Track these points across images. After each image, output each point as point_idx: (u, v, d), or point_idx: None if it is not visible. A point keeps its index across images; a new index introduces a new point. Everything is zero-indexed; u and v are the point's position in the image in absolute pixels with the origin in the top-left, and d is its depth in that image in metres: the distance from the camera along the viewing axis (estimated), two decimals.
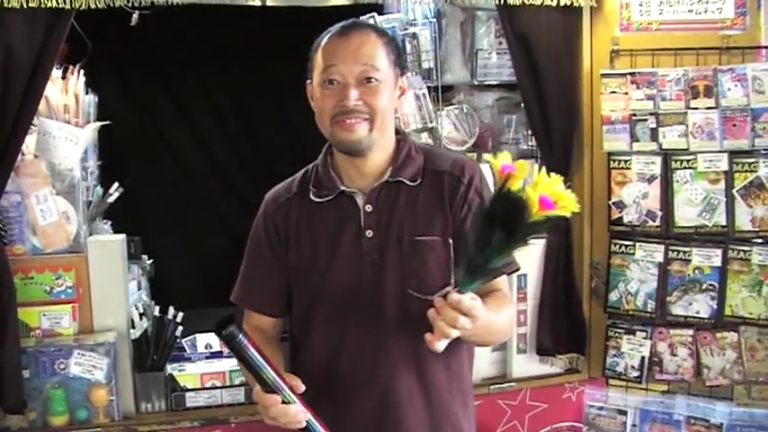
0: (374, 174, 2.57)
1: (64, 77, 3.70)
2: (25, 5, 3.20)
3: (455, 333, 2.18)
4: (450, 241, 2.52)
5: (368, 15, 4.08)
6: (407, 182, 2.56)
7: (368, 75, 2.44)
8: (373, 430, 2.57)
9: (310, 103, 2.59)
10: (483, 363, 3.87)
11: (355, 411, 2.56)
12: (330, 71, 2.45)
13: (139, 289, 4.19)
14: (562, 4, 3.81)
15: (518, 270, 2.65)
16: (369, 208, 2.54)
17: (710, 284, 3.81)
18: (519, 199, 2.07)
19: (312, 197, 2.59)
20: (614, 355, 3.96)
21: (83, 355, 3.42)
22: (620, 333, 3.95)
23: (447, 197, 2.55)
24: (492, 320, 2.35)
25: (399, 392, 2.55)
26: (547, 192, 2.09)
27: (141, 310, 3.70)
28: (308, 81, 2.58)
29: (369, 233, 2.53)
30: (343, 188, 2.56)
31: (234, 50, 6.68)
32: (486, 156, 3.96)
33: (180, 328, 3.66)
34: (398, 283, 2.51)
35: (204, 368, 3.69)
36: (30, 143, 3.46)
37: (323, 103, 2.47)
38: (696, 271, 3.83)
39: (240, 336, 2.13)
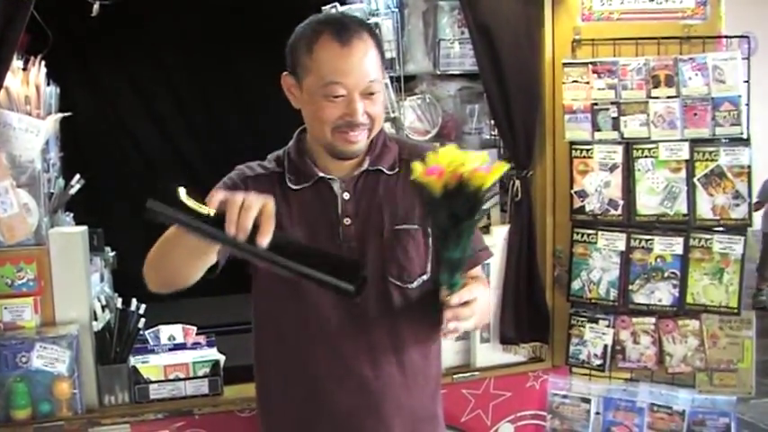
0: (351, 163, 2.57)
1: (25, 69, 3.67)
2: None
3: (473, 322, 2.30)
4: (429, 230, 2.53)
5: (330, 6, 4.07)
6: (386, 171, 2.57)
7: (372, 90, 2.44)
8: (352, 417, 2.58)
9: (286, 94, 2.56)
10: (447, 352, 3.86)
11: (334, 398, 2.56)
12: (335, 88, 2.40)
13: (102, 281, 4.17)
14: None
15: (491, 255, 2.70)
16: (346, 196, 2.54)
17: (672, 273, 3.83)
18: (471, 188, 2.11)
19: (289, 183, 2.58)
20: (577, 344, 3.98)
21: (45, 348, 3.39)
22: (582, 321, 3.97)
23: None
24: (484, 296, 2.43)
25: (380, 379, 2.56)
26: (450, 161, 2.14)
27: (104, 303, 3.68)
28: (286, 73, 2.55)
29: (347, 221, 2.53)
30: (321, 174, 2.56)
31: (197, 41, 6.67)
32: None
33: (143, 320, 3.64)
34: (378, 271, 2.52)
35: (167, 360, 3.67)
36: None
37: (324, 114, 2.43)
38: (658, 259, 3.85)
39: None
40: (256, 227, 1.97)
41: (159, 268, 2.38)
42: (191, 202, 2.01)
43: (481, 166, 2.12)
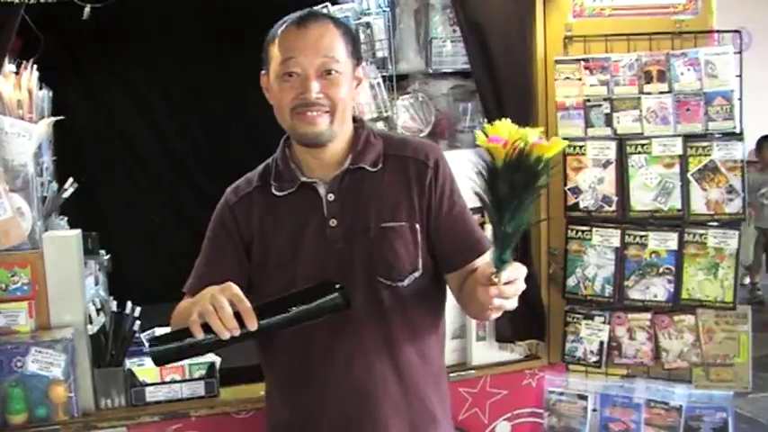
0: (334, 163, 2.56)
1: (17, 73, 3.67)
2: None
3: (515, 301, 2.28)
4: (418, 227, 2.52)
5: (321, 5, 4.06)
6: (369, 168, 2.56)
7: (328, 67, 2.43)
8: (350, 420, 2.57)
9: (265, 94, 2.58)
10: None
11: (331, 402, 2.56)
12: (289, 63, 2.42)
13: (97, 284, 4.17)
14: None
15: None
16: (331, 197, 2.54)
17: (667, 268, 3.83)
18: (532, 160, 2.10)
19: (274, 191, 2.58)
20: (573, 341, 3.97)
21: (40, 352, 3.39)
22: (578, 318, 3.96)
23: (414, 183, 2.55)
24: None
25: (374, 381, 2.55)
26: (510, 133, 2.13)
27: (99, 306, 3.67)
28: (263, 72, 2.57)
29: (333, 222, 2.52)
30: (303, 179, 2.56)
31: (191, 42, 6.66)
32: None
33: (138, 322, 3.64)
34: (367, 271, 2.51)
35: None
36: None
37: (282, 96, 2.46)
38: (653, 255, 3.84)
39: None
40: (238, 314, 2.10)
41: None
42: (176, 336, 2.18)
43: (540, 139, 2.11)
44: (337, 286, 2.22)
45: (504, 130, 2.13)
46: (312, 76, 2.42)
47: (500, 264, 2.20)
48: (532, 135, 2.11)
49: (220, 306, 2.07)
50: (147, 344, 2.15)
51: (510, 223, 2.16)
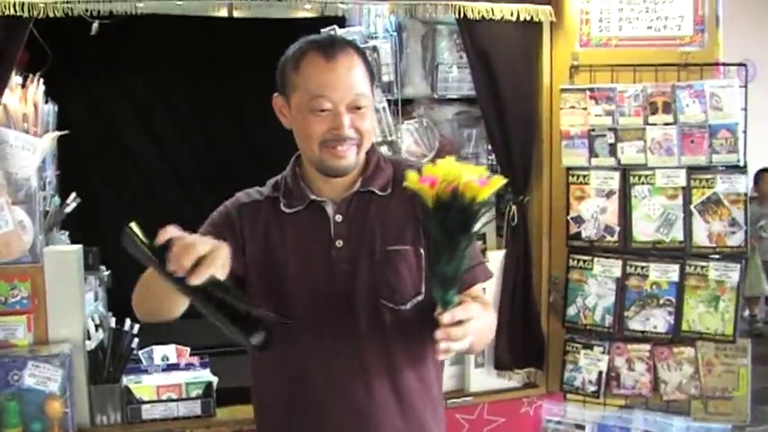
0: (344, 184, 2.56)
1: (23, 86, 3.68)
2: None
3: (467, 342, 2.22)
4: (422, 251, 2.52)
5: (329, 28, 4.08)
6: (378, 192, 2.56)
7: (358, 104, 2.43)
8: None
9: (279, 116, 2.57)
10: None
11: (330, 423, 2.53)
12: (321, 101, 2.40)
13: (96, 300, 4.16)
14: (522, 18, 3.83)
15: (492, 276, 2.68)
16: (339, 218, 2.53)
17: (668, 300, 3.83)
18: (465, 200, 2.09)
19: (283, 207, 2.57)
20: (572, 370, 3.96)
21: (37, 366, 3.39)
22: (577, 348, 3.96)
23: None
24: (483, 317, 2.35)
25: (375, 404, 2.52)
26: (446, 172, 2.11)
27: (97, 322, 3.67)
28: (276, 95, 2.56)
29: (339, 243, 2.51)
30: (313, 197, 2.55)
31: (195, 60, 6.69)
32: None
33: (136, 339, 3.63)
34: (371, 294, 2.49)
35: (160, 380, 3.67)
36: None
37: (311, 129, 2.44)
38: (654, 286, 3.84)
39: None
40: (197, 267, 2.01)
41: (143, 302, 2.44)
42: (141, 238, 2.07)
43: (477, 178, 2.10)
44: (263, 330, 2.17)
45: (442, 170, 2.12)
46: (344, 113, 2.41)
47: (443, 304, 2.19)
48: (468, 175, 2.10)
49: (195, 248, 2.00)
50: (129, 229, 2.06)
51: (448, 264, 2.15)
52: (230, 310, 2.12)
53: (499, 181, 2.15)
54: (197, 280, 2.00)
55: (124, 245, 2.07)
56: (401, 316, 2.51)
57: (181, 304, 2.32)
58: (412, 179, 2.16)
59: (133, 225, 2.07)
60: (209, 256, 2.00)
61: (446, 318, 2.16)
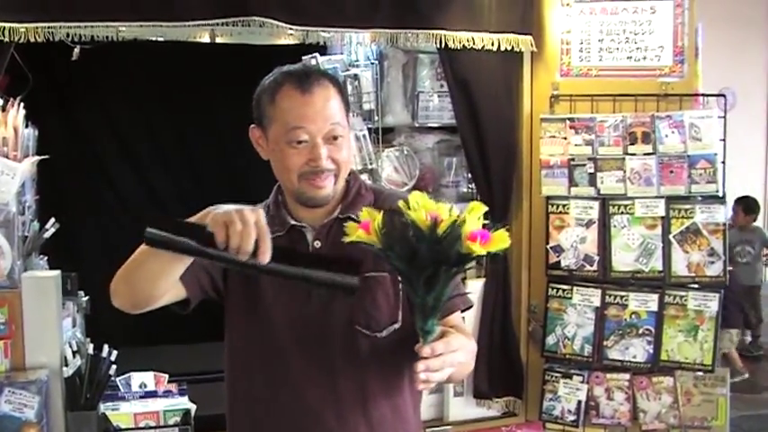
0: (324, 211, 2.56)
1: (3, 110, 3.66)
2: None
3: (446, 374, 2.19)
4: (399, 278, 2.52)
5: (310, 56, 4.08)
6: (357, 219, 2.56)
7: (335, 134, 2.43)
8: None
9: (255, 147, 2.57)
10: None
11: None
12: (298, 133, 2.41)
13: (74, 326, 4.13)
14: (503, 48, 3.85)
15: (471, 306, 2.67)
16: (317, 244, 2.53)
17: (647, 329, 3.84)
18: (450, 234, 2.09)
19: None
20: (551, 399, 3.96)
21: (14, 392, 3.35)
22: (557, 377, 3.96)
23: None
24: (463, 349, 2.34)
25: None
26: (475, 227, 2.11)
27: (75, 348, 3.65)
28: (253, 126, 2.56)
29: None
30: (293, 222, 2.55)
31: (176, 85, 6.67)
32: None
33: (114, 366, 3.61)
34: (346, 320, 2.48)
35: (138, 408, 3.64)
36: None
37: (289, 162, 2.44)
38: (633, 316, 3.85)
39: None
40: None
41: (127, 283, 2.37)
42: (179, 228, 2.06)
43: (451, 212, 2.11)
44: (358, 274, 2.15)
45: (420, 203, 2.13)
46: (321, 144, 2.42)
47: (424, 334, 2.18)
48: (442, 209, 2.11)
49: (248, 223, 2.01)
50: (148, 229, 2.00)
51: (428, 295, 2.15)
52: (314, 258, 2.18)
53: (478, 208, 2.15)
54: (268, 255, 2.02)
55: (156, 241, 2.04)
56: (377, 343, 2.49)
57: (168, 284, 2.32)
58: (351, 229, 2.19)
59: (152, 230, 2.02)
60: (257, 224, 2.02)
61: (425, 351, 2.16)
